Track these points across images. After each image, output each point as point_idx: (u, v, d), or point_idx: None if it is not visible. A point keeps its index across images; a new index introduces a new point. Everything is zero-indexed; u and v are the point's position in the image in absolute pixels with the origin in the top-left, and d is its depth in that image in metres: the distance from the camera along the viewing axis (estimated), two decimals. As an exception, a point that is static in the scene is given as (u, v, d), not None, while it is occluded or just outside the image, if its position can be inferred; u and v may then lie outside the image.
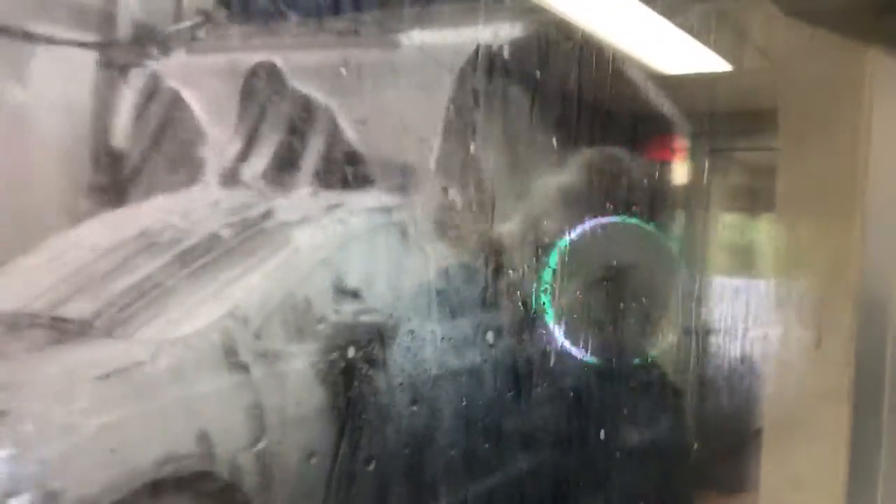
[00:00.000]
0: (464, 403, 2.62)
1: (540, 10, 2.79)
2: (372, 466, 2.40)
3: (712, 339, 3.44)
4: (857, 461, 2.38)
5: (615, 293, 2.91)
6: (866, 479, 2.41)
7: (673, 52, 3.03)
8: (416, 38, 2.87)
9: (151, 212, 2.81)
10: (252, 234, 2.65)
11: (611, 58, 2.91)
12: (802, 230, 2.49)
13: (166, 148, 3.10)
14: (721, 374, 3.49)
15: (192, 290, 2.44)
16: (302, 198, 2.87)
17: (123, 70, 3.14)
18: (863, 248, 2.37)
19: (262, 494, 2.28)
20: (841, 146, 2.31)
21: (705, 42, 2.81)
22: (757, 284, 3.35)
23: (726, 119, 3.39)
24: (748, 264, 3.50)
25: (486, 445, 2.68)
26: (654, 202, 3.42)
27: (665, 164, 3.77)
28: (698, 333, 3.34)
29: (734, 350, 3.42)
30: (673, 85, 3.23)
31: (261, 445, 2.30)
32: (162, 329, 2.30)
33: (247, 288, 2.46)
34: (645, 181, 3.45)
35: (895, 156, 2.26)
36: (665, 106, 3.35)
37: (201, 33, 3.25)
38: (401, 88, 2.73)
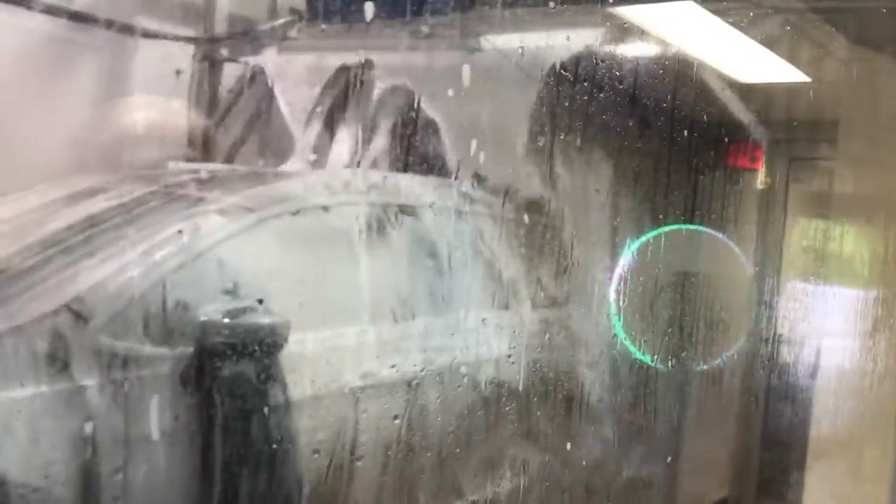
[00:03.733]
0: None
1: (619, 18, 2.83)
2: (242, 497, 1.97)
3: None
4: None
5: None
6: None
7: (750, 63, 3.05)
8: (497, 41, 2.92)
9: (42, 194, 2.43)
10: (134, 216, 2.23)
11: (691, 67, 2.95)
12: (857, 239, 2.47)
13: (257, 134, 3.23)
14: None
15: (37, 278, 1.96)
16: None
17: (219, 64, 3.30)
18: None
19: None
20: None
21: (781, 53, 2.82)
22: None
23: (806, 127, 3.39)
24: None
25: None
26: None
27: (744, 171, 3.77)
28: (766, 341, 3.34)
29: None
30: (751, 94, 3.24)
31: (85, 468, 1.78)
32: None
33: (98, 277, 1.95)
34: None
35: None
36: (744, 114, 3.36)
37: (293, 32, 3.36)
38: (479, 90, 2.75)
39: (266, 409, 2.02)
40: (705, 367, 3.30)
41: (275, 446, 2.02)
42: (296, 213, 2.42)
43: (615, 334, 2.85)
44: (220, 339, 1.98)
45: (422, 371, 2.37)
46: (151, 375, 1.91)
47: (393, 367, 2.34)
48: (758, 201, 3.82)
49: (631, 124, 3.00)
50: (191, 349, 1.96)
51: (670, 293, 3.05)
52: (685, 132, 3.00)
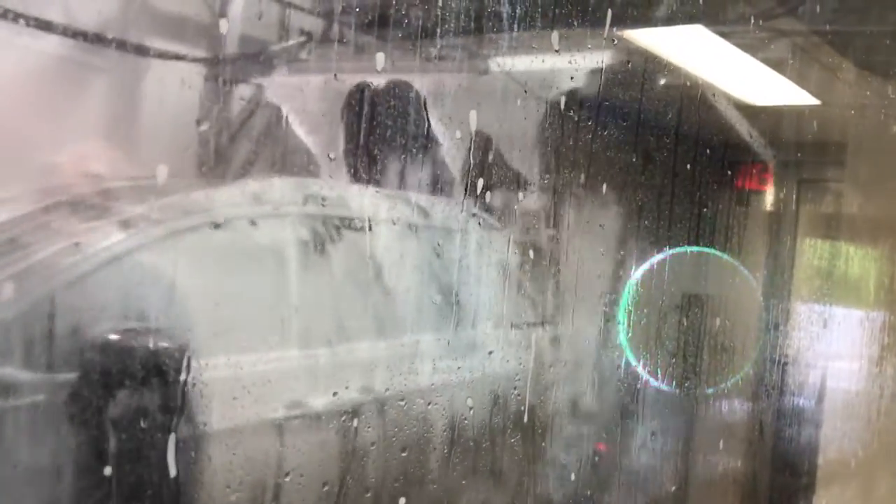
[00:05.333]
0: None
1: (630, 42, 2.84)
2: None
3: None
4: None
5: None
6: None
7: (758, 86, 3.06)
8: (506, 64, 2.92)
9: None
10: (23, 230, 1.92)
11: (699, 89, 2.96)
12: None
13: (267, 158, 3.23)
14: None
15: None
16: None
17: (228, 84, 3.31)
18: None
19: None
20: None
21: (789, 76, 2.83)
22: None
23: (814, 149, 3.39)
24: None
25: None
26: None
27: (752, 193, 3.77)
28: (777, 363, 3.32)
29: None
30: (760, 116, 3.25)
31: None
32: None
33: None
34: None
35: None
36: (752, 136, 3.36)
37: (304, 53, 3.37)
38: (486, 112, 2.74)
39: (167, 443, 1.80)
40: (713, 390, 3.29)
41: (176, 482, 1.80)
42: (217, 225, 2.19)
43: (614, 360, 2.83)
44: (111, 364, 1.76)
45: (359, 400, 2.21)
46: (31, 405, 1.68)
47: (324, 396, 2.17)
48: (768, 223, 3.83)
49: (638, 145, 3.00)
50: (79, 376, 1.73)
51: (677, 316, 3.04)
52: (694, 154, 3.01)
